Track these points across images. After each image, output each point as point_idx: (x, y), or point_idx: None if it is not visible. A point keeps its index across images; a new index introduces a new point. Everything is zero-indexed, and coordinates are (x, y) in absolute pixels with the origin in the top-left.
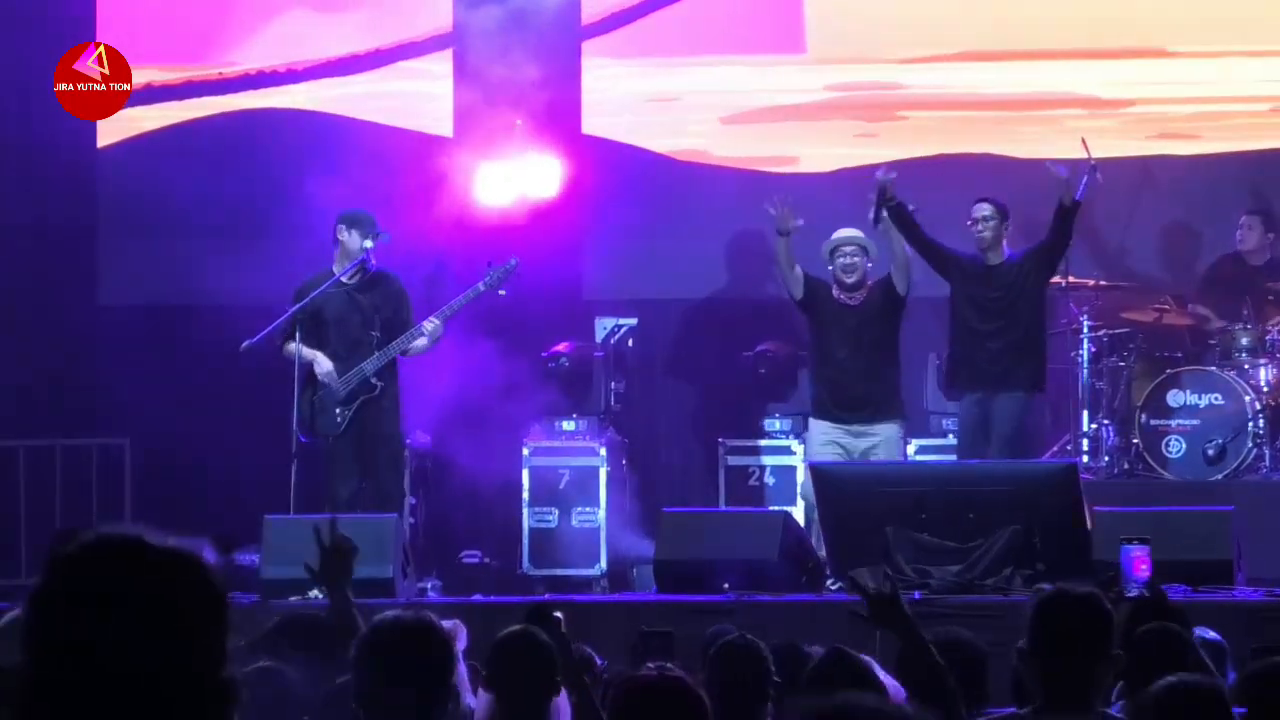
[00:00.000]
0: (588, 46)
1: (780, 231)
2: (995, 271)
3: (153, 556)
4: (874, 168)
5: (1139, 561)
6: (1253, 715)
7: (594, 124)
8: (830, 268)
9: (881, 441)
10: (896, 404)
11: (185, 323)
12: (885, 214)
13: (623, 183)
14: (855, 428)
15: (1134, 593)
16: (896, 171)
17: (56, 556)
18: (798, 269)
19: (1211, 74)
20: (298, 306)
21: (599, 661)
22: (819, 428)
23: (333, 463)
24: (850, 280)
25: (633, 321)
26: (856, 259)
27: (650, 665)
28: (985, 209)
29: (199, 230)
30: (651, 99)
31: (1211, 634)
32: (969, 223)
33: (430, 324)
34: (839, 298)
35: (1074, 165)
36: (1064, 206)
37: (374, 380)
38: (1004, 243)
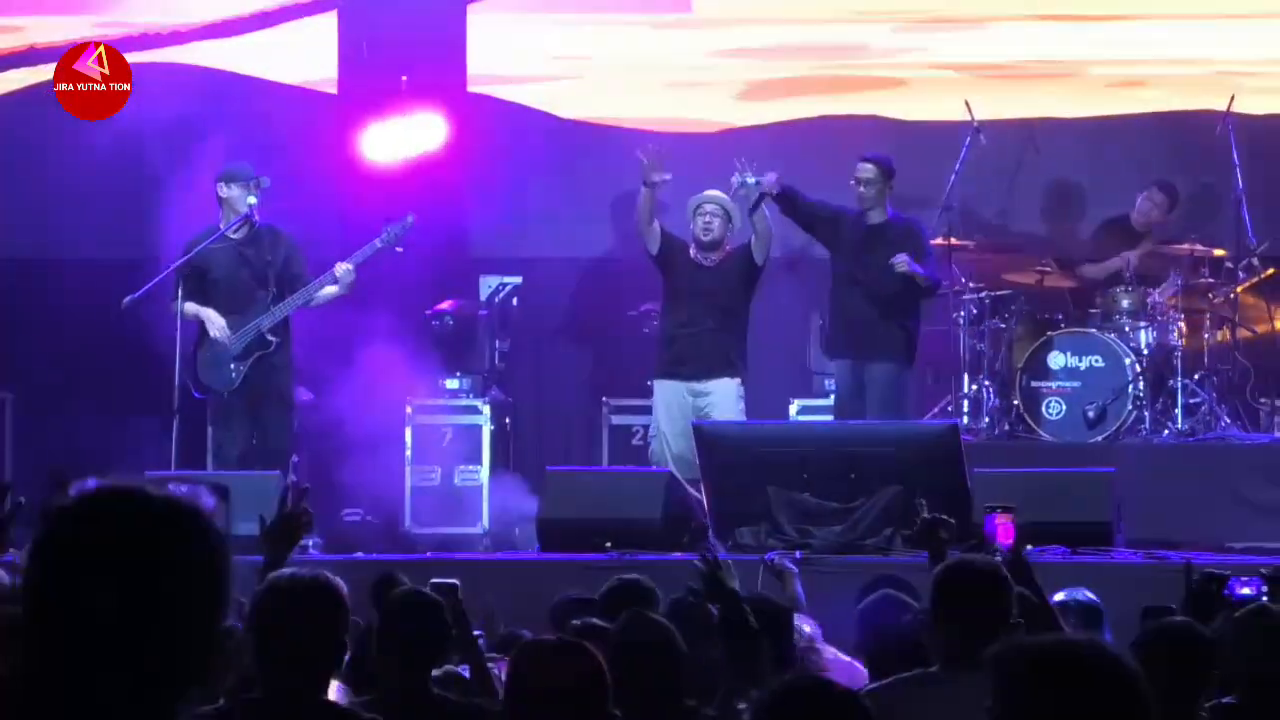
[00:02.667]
0: (474, 6)
1: (645, 182)
2: (875, 231)
3: (154, 509)
4: (759, 129)
5: (1003, 528)
6: (1146, 675)
7: (479, 82)
8: (691, 225)
9: (717, 397)
10: (735, 363)
11: (67, 277)
12: (763, 208)
13: (508, 141)
14: (692, 384)
15: (998, 560)
16: (775, 181)
17: (56, 508)
18: (656, 224)
19: (1097, 37)
20: (179, 261)
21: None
22: (661, 391)
23: (224, 419)
24: (707, 239)
25: (517, 280)
26: (716, 219)
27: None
28: (868, 169)
29: (82, 185)
30: (536, 57)
31: (1088, 595)
32: (852, 181)
33: (342, 268)
34: (695, 257)
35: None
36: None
37: (269, 336)
38: (887, 203)
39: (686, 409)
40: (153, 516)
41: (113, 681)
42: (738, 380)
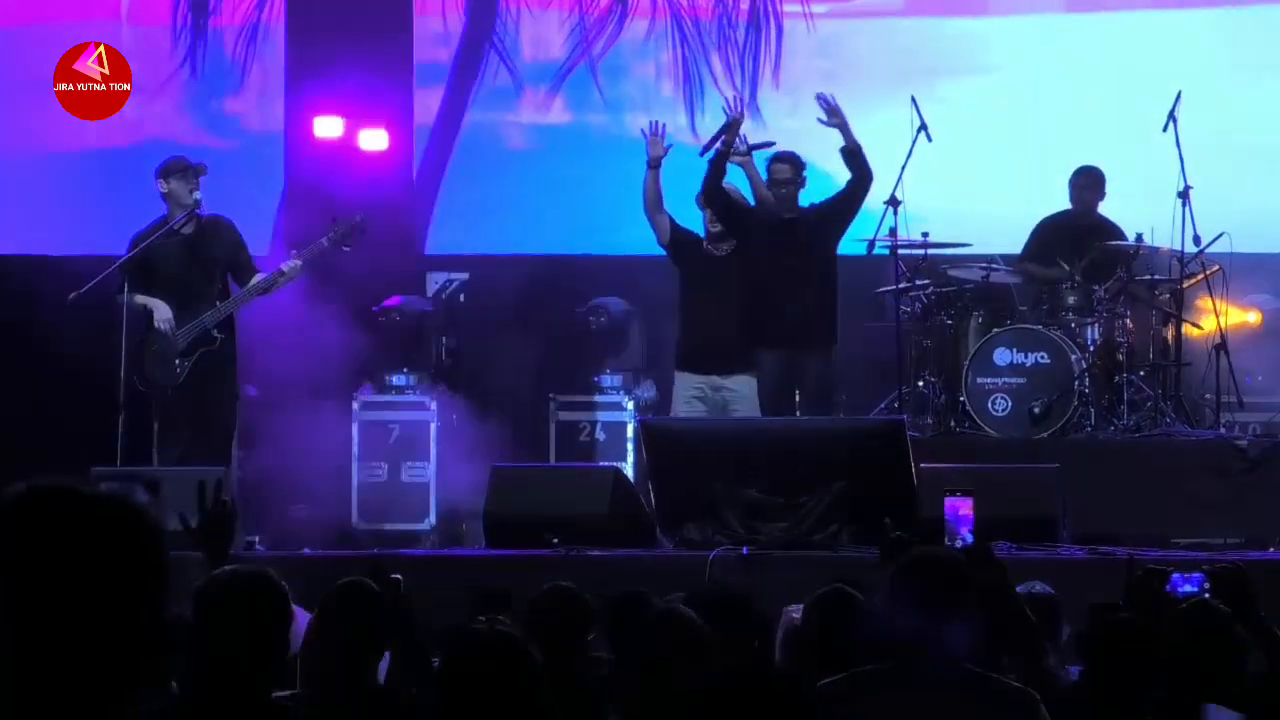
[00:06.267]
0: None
1: (650, 163)
2: (792, 226)
3: (88, 507)
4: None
5: (963, 512)
6: (1092, 670)
7: (427, 79)
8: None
9: (739, 395)
10: (754, 356)
11: (7, 274)
12: (716, 152)
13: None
14: (714, 379)
15: (959, 544)
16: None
17: None
18: (664, 216)
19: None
20: (126, 256)
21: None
22: (682, 381)
23: (166, 415)
24: (716, 230)
25: (464, 276)
26: None
27: (481, 620)
28: (784, 171)
29: (23, 182)
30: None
31: (1043, 586)
32: (767, 184)
33: (293, 263)
34: (707, 249)
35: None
36: (847, 150)
37: (214, 333)
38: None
39: (707, 401)
40: (86, 515)
41: (53, 684)
42: (758, 376)
